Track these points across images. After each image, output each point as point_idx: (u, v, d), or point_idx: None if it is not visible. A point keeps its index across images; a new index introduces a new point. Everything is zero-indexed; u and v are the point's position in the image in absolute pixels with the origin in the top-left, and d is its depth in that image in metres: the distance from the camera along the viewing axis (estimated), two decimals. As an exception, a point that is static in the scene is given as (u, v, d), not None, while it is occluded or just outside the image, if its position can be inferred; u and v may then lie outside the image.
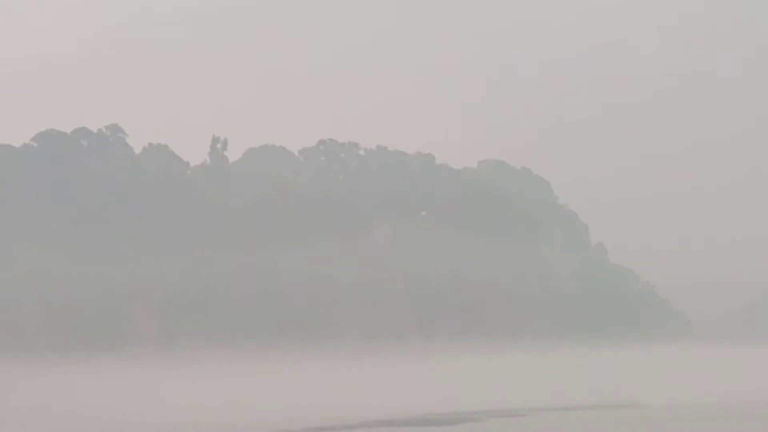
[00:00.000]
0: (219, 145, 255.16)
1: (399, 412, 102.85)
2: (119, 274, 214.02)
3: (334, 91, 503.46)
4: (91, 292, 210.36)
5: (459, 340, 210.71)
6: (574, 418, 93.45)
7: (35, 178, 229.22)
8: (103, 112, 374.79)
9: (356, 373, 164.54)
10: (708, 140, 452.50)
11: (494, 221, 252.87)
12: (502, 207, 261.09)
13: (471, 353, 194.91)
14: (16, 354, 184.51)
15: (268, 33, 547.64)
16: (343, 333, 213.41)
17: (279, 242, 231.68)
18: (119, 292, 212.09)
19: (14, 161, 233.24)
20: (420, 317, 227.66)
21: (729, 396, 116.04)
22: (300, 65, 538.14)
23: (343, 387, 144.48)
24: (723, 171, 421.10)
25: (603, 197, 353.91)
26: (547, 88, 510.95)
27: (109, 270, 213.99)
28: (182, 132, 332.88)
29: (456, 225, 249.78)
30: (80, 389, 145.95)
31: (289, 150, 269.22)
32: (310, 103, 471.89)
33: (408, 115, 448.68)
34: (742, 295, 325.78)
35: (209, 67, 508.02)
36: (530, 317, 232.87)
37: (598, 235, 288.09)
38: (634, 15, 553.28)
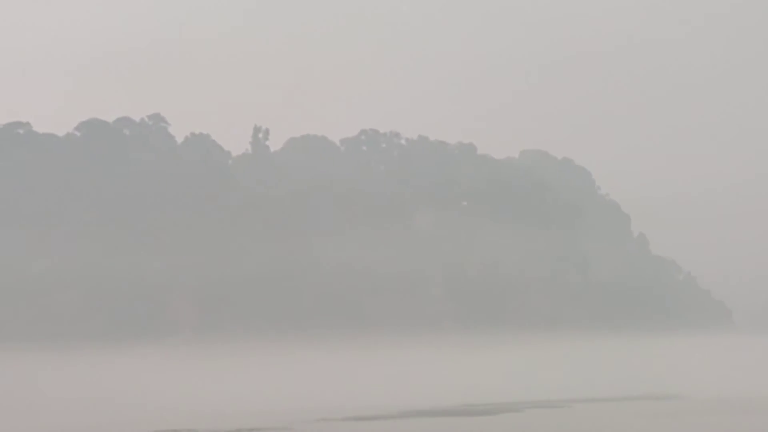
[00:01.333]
0: (260, 135, 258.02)
1: (436, 402, 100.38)
2: (159, 262, 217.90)
3: (375, 80, 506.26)
4: (131, 280, 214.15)
5: (497, 331, 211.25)
6: (613, 409, 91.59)
7: (78, 167, 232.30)
8: (145, 101, 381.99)
9: (394, 363, 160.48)
10: (753, 133, 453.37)
11: (535, 211, 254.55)
12: (543, 197, 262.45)
13: (509, 343, 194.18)
14: (55, 341, 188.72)
15: (311, 24, 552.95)
16: (382, 323, 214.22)
17: (319, 232, 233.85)
18: (159, 280, 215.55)
19: (58, 150, 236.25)
20: (458, 307, 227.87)
21: None
22: (342, 55, 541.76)
23: (381, 377, 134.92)
24: (762, 159, 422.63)
25: (646, 188, 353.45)
26: (590, 79, 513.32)
27: (149, 258, 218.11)
28: (224, 122, 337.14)
29: (497, 215, 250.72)
30: (117, 377, 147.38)
31: (331, 140, 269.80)
32: (351, 93, 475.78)
33: (449, 105, 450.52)
34: None
35: (252, 58, 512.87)
36: (569, 308, 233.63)
37: (641, 225, 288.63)
38: (678, 5, 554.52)
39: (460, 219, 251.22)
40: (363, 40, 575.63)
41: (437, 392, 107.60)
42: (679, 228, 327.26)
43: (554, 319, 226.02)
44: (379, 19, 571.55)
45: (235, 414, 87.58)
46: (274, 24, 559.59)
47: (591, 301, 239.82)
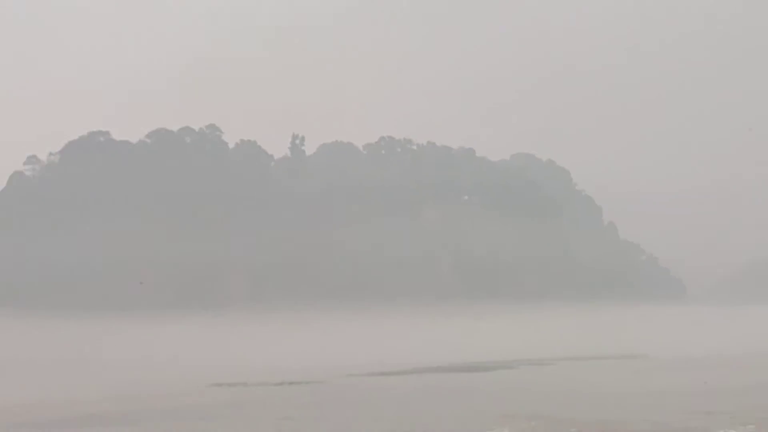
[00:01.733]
0: (298, 141, 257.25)
1: (445, 360, 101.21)
2: (216, 247, 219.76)
3: (392, 95, 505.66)
4: (194, 261, 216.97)
5: (495, 302, 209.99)
6: (591, 366, 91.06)
7: (148, 168, 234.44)
8: (203, 113, 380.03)
9: (409, 329, 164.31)
10: (700, 137, 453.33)
11: (524, 205, 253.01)
12: (530, 193, 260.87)
13: (505, 313, 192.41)
14: (132, 311, 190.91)
15: (339, 48, 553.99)
16: (399, 296, 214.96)
17: (346, 222, 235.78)
18: (216, 261, 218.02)
19: (132, 154, 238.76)
20: (462, 283, 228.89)
21: (719, 348, 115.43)
22: (364, 73, 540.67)
23: (399, 340, 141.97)
24: (712, 160, 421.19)
25: (615, 184, 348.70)
26: (569, 92, 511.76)
27: (208, 243, 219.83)
28: (268, 130, 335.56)
29: (493, 208, 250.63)
30: (184, 339, 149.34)
31: (355, 145, 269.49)
32: (372, 106, 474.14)
33: (453, 116, 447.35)
34: (731, 265, 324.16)
35: (290, 76, 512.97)
36: (553, 284, 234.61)
37: (611, 215, 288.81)
38: (651, 20, 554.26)
39: (462, 211, 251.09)
40: (381, 62, 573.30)
41: (446, 352, 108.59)
42: (643, 217, 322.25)
43: (541, 292, 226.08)
44: (395, 47, 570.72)
45: (280, 370, 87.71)
46: (307, 48, 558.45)
47: (571, 278, 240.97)
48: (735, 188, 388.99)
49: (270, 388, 72.69)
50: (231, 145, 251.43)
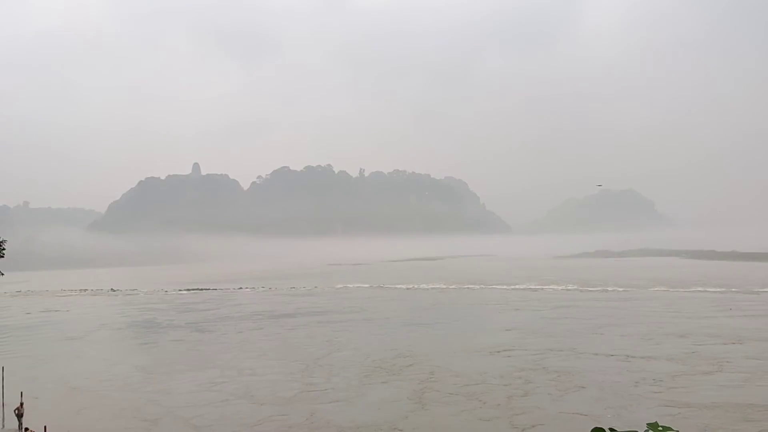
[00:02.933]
0: (362, 170, 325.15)
1: (417, 256, 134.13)
2: (330, 210, 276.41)
3: (399, 142, 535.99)
4: (323, 216, 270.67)
5: (437, 234, 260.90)
6: (475, 258, 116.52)
7: (302, 183, 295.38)
8: (324, 155, 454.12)
9: (403, 245, 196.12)
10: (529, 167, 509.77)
11: (450, 197, 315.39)
12: (453, 194, 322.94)
13: (443, 238, 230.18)
14: (292, 234, 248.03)
15: (377, 128, 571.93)
16: (400, 231, 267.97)
17: (381, 201, 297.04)
18: (330, 217, 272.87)
19: (296, 177, 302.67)
20: (424, 226, 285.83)
21: (521, 252, 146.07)
22: (387, 136, 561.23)
23: (399, 248, 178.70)
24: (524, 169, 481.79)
25: (486, 184, 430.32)
26: (473, 143, 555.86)
27: (326, 209, 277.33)
28: (350, 164, 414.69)
29: (437, 199, 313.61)
30: (317, 248, 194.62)
31: (384, 172, 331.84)
32: (393, 154, 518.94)
33: (423, 156, 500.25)
34: (540, 210, 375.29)
35: (357, 141, 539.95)
36: (461, 228, 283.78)
37: (483, 199, 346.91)
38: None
39: (425, 199, 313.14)
40: (393, 134, 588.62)
41: (417, 253, 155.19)
42: (498, 197, 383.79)
43: (455, 231, 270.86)
44: (402, 126, 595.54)
45: (354, 260, 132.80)
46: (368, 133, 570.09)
47: (468, 226, 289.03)
48: (545, 161, 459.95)
49: (349, 267, 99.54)
50: (336, 172, 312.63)
